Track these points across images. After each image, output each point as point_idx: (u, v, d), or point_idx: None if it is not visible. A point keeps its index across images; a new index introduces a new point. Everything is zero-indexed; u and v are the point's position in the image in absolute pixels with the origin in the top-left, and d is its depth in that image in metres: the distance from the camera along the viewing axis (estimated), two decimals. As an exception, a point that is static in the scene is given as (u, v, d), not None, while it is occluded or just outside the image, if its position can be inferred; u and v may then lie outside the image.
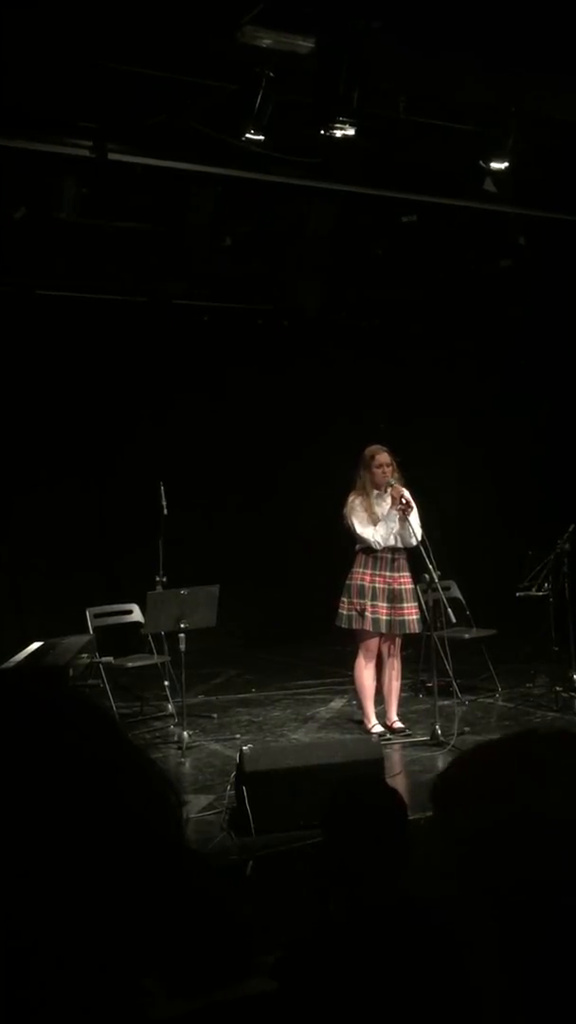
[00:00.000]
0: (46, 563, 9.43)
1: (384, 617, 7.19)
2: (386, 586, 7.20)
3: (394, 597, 7.21)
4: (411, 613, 7.24)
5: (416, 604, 7.26)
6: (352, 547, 7.33)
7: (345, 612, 7.27)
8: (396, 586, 7.22)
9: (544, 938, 0.89)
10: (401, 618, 7.22)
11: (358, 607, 7.18)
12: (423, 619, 7.34)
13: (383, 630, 7.23)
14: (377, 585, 7.19)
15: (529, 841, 0.91)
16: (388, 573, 7.21)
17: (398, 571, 7.24)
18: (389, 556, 7.22)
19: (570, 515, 8.15)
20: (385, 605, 7.19)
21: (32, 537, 9.46)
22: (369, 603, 7.17)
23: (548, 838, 0.91)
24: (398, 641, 7.39)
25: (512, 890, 0.90)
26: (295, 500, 10.34)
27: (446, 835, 0.95)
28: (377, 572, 7.21)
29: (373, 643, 7.30)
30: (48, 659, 6.66)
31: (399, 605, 7.21)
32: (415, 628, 7.31)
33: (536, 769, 0.95)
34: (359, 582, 7.21)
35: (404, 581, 7.25)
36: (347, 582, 7.28)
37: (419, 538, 7.08)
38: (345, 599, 7.27)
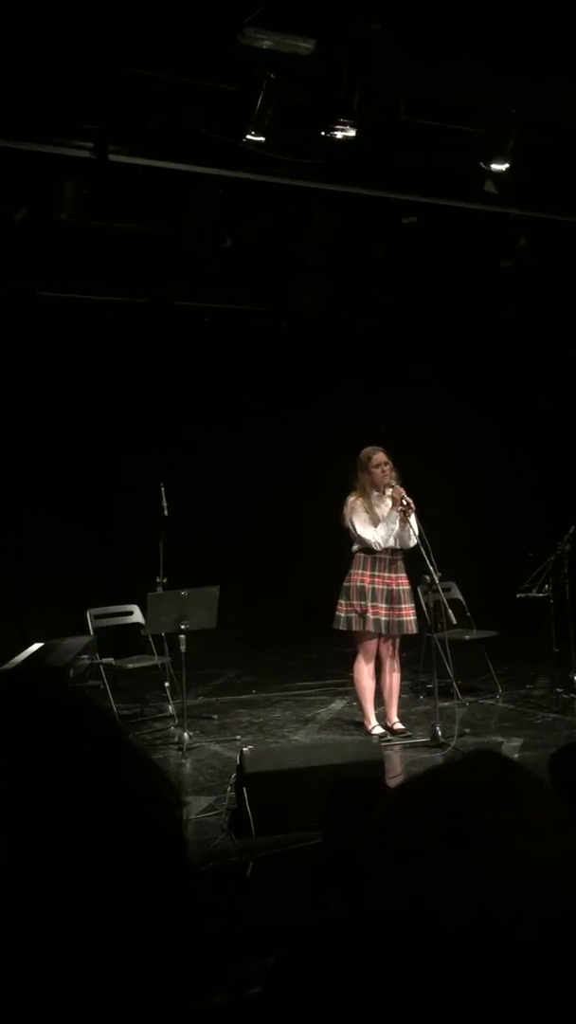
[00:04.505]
0: (47, 564, 9.42)
1: (384, 618, 7.19)
2: (385, 587, 7.19)
3: (392, 598, 7.21)
4: (408, 614, 7.25)
5: (413, 605, 7.28)
6: (350, 548, 7.33)
7: (343, 614, 7.26)
8: (395, 587, 7.22)
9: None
10: (399, 619, 7.22)
11: (358, 608, 7.17)
12: (422, 620, 7.35)
13: (383, 631, 7.23)
14: (377, 586, 7.19)
15: (475, 881, 0.90)
16: (387, 574, 7.21)
17: (396, 572, 7.25)
18: (388, 557, 7.22)
19: (571, 516, 8.14)
20: (384, 606, 7.19)
21: (33, 538, 9.46)
22: (369, 604, 7.17)
23: (492, 875, 0.90)
24: (396, 642, 7.38)
25: (459, 932, 0.89)
26: (296, 500, 10.34)
27: (385, 891, 0.94)
28: (376, 573, 7.21)
29: (372, 644, 7.30)
30: (48, 660, 6.66)
31: (397, 606, 7.21)
32: (413, 629, 7.31)
33: (464, 802, 0.94)
34: (359, 583, 7.21)
35: (402, 582, 7.26)
36: (345, 584, 7.28)
37: (417, 539, 7.09)
38: (343, 601, 7.26)
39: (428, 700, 7.79)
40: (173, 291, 9.58)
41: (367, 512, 7.21)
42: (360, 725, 7.44)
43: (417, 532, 7.09)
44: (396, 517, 7.14)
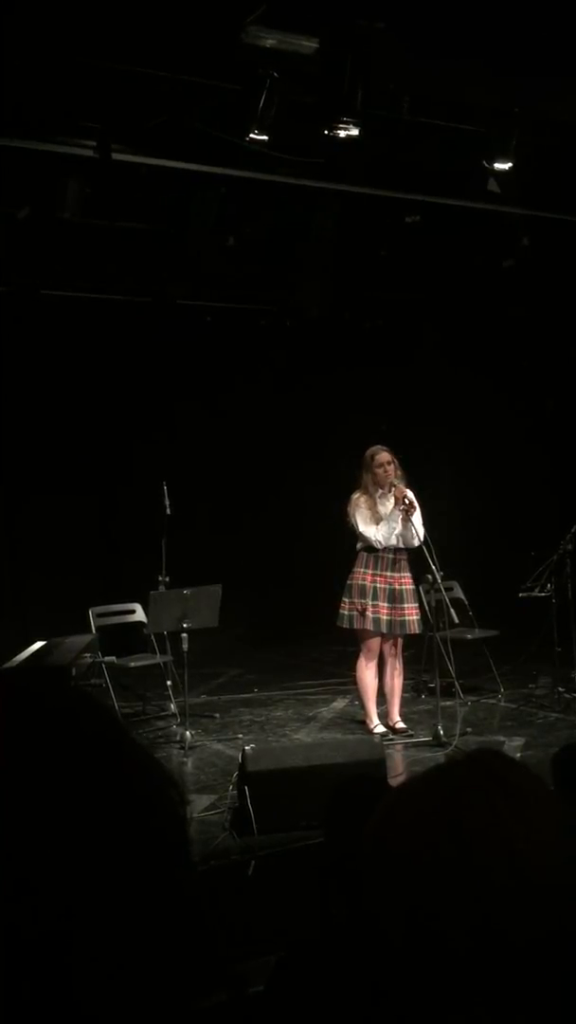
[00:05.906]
0: (49, 562, 9.42)
1: (385, 617, 7.19)
2: (387, 586, 7.19)
3: (395, 597, 7.20)
4: (411, 614, 7.24)
5: (416, 605, 7.27)
6: (354, 547, 7.33)
7: (346, 612, 7.27)
8: (397, 586, 7.22)
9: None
10: (402, 618, 7.21)
11: (359, 607, 7.18)
12: (424, 619, 7.35)
13: (383, 630, 7.23)
14: (378, 585, 7.19)
15: (472, 882, 0.90)
16: (389, 573, 7.21)
17: (399, 571, 7.24)
18: (391, 556, 7.22)
19: (573, 516, 8.14)
20: (386, 605, 7.19)
21: (35, 536, 9.47)
22: (370, 603, 7.17)
23: (488, 875, 0.90)
24: (399, 641, 7.38)
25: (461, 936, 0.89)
26: (298, 499, 10.34)
27: (386, 889, 0.94)
28: (378, 572, 7.21)
29: (374, 643, 7.30)
30: (51, 658, 6.66)
31: (400, 605, 7.20)
32: (415, 629, 7.31)
33: (465, 802, 0.94)
34: (360, 582, 7.21)
35: (405, 581, 7.25)
36: (348, 582, 7.29)
37: (421, 539, 7.08)
38: (346, 599, 7.27)
39: (430, 699, 7.79)
40: (176, 290, 9.58)
41: (369, 510, 7.21)
42: (362, 724, 7.45)
43: (420, 533, 7.08)
44: (398, 516, 7.14)
